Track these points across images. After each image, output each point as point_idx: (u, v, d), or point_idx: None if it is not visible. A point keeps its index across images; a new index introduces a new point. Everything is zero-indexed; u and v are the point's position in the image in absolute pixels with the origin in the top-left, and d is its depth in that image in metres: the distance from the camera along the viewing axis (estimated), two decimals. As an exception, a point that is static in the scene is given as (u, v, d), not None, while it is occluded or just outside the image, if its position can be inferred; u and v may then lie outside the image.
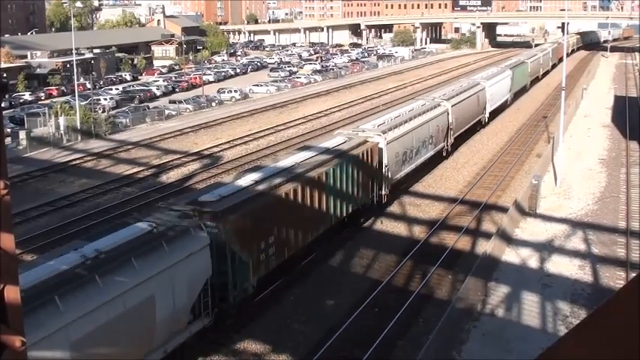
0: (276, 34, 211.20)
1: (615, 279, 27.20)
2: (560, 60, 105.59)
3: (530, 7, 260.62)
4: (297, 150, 36.20)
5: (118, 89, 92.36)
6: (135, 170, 48.61)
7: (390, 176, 37.15)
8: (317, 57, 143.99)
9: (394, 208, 38.42)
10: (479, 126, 59.20)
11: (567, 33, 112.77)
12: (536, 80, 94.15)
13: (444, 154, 48.98)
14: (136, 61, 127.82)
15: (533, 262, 29.14)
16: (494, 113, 64.58)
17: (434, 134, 44.99)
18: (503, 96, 68.32)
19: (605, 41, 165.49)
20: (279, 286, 27.14)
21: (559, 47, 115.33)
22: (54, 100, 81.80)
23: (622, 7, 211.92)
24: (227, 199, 24.49)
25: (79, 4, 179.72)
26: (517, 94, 77.78)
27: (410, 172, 41.26)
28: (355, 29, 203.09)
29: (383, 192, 36.50)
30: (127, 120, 66.88)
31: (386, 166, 36.43)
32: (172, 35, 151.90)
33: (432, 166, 46.34)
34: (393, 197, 39.04)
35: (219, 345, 22.98)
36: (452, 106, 48.45)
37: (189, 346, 21.49)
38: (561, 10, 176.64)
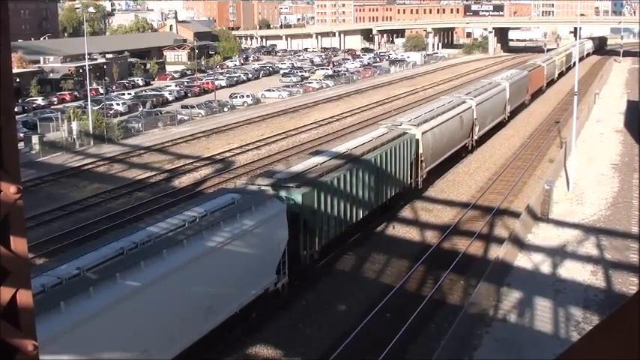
0: (288, 39, 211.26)
1: (628, 285, 27.04)
2: (535, 94, 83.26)
3: (543, 11, 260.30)
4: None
5: (130, 94, 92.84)
6: (147, 175, 48.75)
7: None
8: (329, 62, 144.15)
9: (406, 212, 38.37)
10: None
11: (580, 37, 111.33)
12: (469, 149, 52.81)
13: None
14: (148, 66, 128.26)
15: (545, 268, 29.01)
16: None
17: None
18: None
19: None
20: (290, 291, 27.12)
21: (536, 73, 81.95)
22: (67, 104, 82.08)
23: (634, 12, 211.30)
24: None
25: (91, 9, 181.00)
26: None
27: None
28: (367, 34, 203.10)
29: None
30: (140, 125, 67.03)
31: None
32: (185, 40, 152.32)
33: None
34: (405, 202, 39.01)
35: (231, 349, 22.99)
36: None
37: (200, 350, 21.45)
38: (582, 15, 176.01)
